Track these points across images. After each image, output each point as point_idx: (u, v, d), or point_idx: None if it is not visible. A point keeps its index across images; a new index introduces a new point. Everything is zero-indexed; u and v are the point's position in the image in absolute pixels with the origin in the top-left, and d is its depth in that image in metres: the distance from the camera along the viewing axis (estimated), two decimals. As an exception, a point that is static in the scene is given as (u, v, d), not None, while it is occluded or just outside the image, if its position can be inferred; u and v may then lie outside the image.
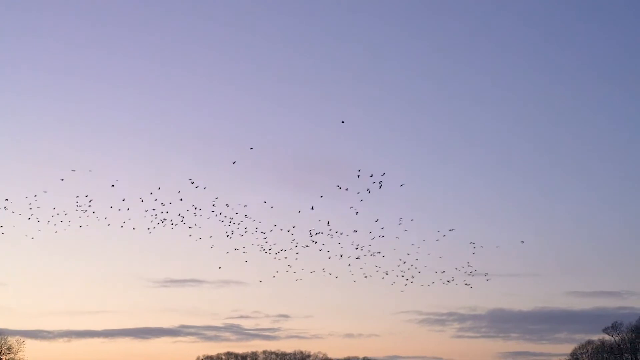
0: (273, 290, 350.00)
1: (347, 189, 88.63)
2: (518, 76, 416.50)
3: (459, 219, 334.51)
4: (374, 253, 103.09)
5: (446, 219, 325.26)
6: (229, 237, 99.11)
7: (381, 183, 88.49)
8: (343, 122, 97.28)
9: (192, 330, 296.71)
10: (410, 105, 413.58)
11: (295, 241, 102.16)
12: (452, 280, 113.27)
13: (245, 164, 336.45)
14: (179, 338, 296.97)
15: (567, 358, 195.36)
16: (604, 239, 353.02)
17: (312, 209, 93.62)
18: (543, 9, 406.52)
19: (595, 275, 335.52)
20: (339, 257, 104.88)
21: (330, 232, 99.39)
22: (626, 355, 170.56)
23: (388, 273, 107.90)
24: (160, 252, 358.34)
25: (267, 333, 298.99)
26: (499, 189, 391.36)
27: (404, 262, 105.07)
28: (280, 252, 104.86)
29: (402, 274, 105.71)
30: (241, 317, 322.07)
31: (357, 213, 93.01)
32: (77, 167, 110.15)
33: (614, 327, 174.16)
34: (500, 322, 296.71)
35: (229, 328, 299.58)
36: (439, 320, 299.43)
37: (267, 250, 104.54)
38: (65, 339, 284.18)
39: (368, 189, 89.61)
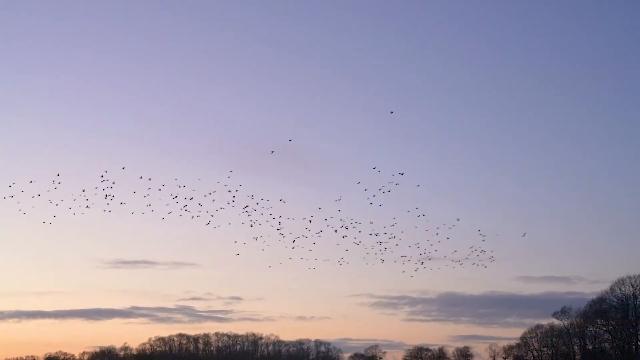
0: (225, 272, 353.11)
1: (381, 190, 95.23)
2: (517, 77, 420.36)
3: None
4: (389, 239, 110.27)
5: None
6: (251, 226, 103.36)
7: (402, 174, 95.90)
8: (392, 112, 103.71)
9: (144, 311, 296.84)
10: (416, 108, 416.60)
11: (309, 229, 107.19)
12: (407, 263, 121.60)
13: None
14: (131, 319, 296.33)
15: (517, 342, 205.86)
16: (554, 225, 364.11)
17: (340, 199, 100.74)
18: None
19: (545, 260, 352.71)
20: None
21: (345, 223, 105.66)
22: (575, 339, 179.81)
23: (402, 258, 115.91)
24: (111, 233, 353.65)
25: (219, 315, 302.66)
26: (463, 173, 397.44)
27: (417, 246, 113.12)
28: (297, 239, 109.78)
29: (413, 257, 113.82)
30: (193, 298, 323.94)
31: (380, 205, 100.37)
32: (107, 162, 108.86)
33: (563, 312, 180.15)
34: (451, 305, 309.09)
35: (181, 310, 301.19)
36: (391, 303, 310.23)
37: (281, 238, 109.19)
38: (16, 319, 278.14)
39: (389, 190, 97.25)
